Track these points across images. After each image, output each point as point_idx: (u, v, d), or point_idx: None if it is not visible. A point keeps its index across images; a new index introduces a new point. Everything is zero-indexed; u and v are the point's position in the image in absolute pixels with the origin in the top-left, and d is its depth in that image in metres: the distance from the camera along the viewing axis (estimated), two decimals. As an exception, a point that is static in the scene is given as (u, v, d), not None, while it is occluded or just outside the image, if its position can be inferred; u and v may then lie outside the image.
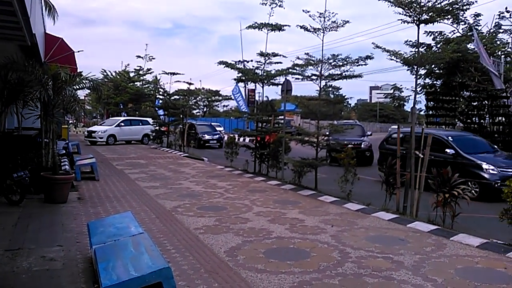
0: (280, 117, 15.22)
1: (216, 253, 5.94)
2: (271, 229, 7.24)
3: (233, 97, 32.89)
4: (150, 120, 29.02)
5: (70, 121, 26.36)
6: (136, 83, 40.73)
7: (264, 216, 8.20)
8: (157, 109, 31.04)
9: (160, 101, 29.97)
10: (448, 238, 6.74)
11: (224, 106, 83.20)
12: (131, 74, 41.67)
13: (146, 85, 41.24)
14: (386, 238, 6.81)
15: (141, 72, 41.12)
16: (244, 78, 15.71)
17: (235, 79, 16.56)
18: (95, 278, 4.63)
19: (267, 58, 14.49)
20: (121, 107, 40.29)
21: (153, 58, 41.59)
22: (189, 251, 5.99)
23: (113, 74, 42.22)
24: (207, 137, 27.14)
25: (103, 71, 41.85)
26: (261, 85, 14.88)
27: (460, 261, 5.72)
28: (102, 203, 9.27)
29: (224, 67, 15.06)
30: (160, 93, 30.16)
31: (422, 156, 8.19)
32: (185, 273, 5.12)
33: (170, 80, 50.59)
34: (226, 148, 16.32)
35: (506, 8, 34.41)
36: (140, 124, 29.65)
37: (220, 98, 74.43)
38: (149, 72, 40.69)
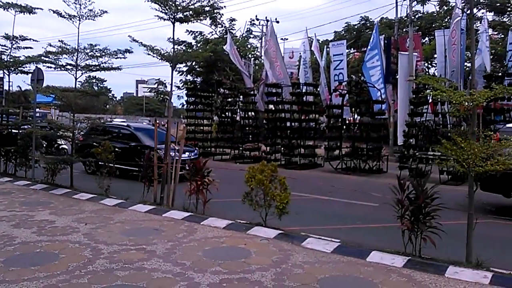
0: (36, 109, 13.67)
1: None
2: (14, 234, 6.45)
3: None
4: None
5: None
6: None
7: (7, 221, 7.24)
8: None
9: None
10: (199, 223, 7.26)
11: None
12: None
13: None
14: (142, 230, 6.89)
15: None
16: (-16, 63, 13.53)
17: (-28, 64, 14.12)
18: None
19: (14, 42, 12.86)
20: None
21: None
22: None
23: None
24: (173, 154, 11.92)
25: None
26: (7, 73, 13.12)
27: (208, 243, 6.23)
28: None
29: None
30: None
31: (177, 148, 8.59)
32: None
33: None
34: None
35: (256, 16, 39.12)
36: None
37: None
38: None
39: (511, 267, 5.40)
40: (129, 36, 9.51)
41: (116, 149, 11.29)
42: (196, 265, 5.24)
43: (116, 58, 11.20)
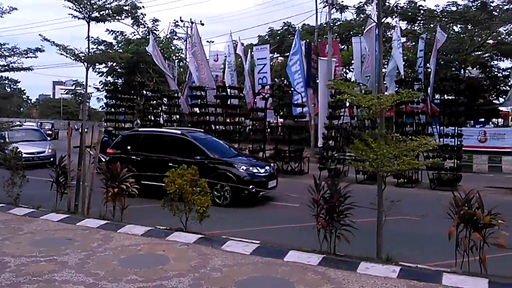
0: None
1: None
2: None
3: None
4: None
5: None
6: None
7: None
8: None
9: None
10: (116, 230, 6.99)
11: None
12: None
13: None
14: (53, 240, 6.51)
15: None
16: None
17: None
18: None
19: None
20: None
21: None
22: None
23: None
24: (255, 171, 10.81)
25: None
26: None
27: (125, 251, 6.02)
28: None
29: None
30: None
31: (92, 153, 8.23)
32: None
33: None
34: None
35: (180, 17, 38.64)
36: None
37: None
38: None
39: (417, 261, 5.79)
40: (39, 35, 9.04)
41: (170, 164, 8.80)
42: (111, 275, 5.04)
43: (27, 57, 10.60)
